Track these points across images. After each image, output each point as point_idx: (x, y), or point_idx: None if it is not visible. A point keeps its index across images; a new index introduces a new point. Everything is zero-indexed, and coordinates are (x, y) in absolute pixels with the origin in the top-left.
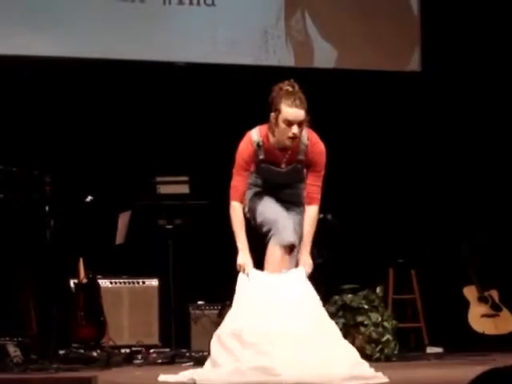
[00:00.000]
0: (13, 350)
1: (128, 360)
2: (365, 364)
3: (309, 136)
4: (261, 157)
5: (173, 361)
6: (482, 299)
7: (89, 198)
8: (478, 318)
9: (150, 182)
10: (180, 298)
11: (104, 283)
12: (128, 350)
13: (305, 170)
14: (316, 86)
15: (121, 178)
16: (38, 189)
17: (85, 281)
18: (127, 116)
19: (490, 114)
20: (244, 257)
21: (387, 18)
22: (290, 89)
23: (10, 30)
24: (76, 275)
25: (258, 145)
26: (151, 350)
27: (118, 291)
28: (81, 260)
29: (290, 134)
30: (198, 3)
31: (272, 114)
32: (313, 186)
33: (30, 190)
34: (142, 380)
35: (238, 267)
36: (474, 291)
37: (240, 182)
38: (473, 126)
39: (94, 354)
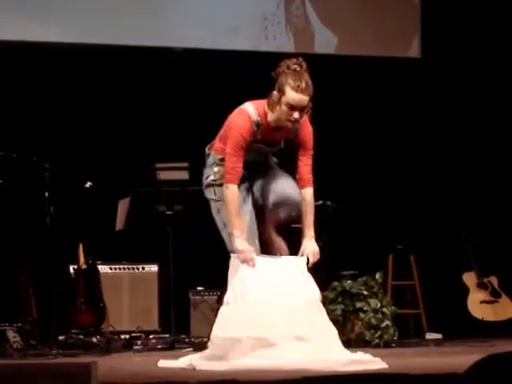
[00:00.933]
0: (12, 336)
1: (127, 346)
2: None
3: None
4: (258, 137)
5: (172, 346)
6: (482, 285)
7: (88, 184)
8: (478, 305)
9: (149, 168)
10: (179, 283)
11: (104, 269)
12: (127, 336)
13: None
14: (316, 71)
15: (120, 164)
16: (38, 175)
17: (84, 267)
18: (126, 102)
19: (490, 101)
20: (245, 245)
21: (387, 3)
22: (298, 68)
23: (7, 16)
24: (76, 261)
25: (258, 124)
26: (151, 336)
27: (117, 277)
28: (80, 246)
29: (292, 119)
30: None
31: (275, 92)
32: (305, 165)
33: (29, 176)
34: (141, 365)
35: (243, 260)
36: (473, 277)
37: (239, 163)
38: (473, 113)
39: (94, 339)
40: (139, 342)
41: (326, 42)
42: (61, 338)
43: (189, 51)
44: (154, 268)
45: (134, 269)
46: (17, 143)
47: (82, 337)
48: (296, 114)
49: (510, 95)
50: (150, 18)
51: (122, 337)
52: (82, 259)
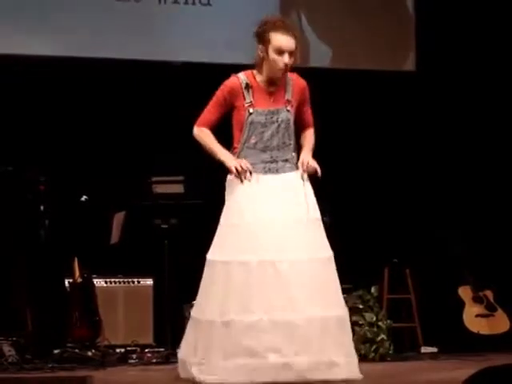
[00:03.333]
0: (7, 350)
1: (123, 360)
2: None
3: (289, 74)
4: (248, 100)
5: (167, 360)
6: (477, 299)
7: (84, 198)
8: (473, 318)
9: (145, 181)
10: (175, 297)
11: (99, 283)
12: (123, 350)
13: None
14: (311, 85)
15: (116, 178)
16: (33, 188)
17: (80, 280)
18: (122, 115)
19: (484, 113)
20: (234, 160)
21: (382, 17)
22: (278, 23)
23: (3, 29)
24: (71, 275)
25: (247, 85)
26: (146, 350)
27: (112, 291)
28: (76, 259)
29: (282, 65)
30: (194, 3)
31: (260, 46)
32: (308, 115)
33: (25, 189)
34: (136, 379)
35: (239, 168)
36: (468, 291)
37: (211, 114)
38: (468, 126)
39: (89, 353)
40: (134, 356)
41: (321, 55)
42: (56, 351)
43: (187, 65)
44: (150, 282)
45: (129, 282)
46: (12, 157)
47: (77, 350)
48: (286, 58)
49: (505, 108)
50: (147, 32)
51: (118, 351)
52: (77, 273)
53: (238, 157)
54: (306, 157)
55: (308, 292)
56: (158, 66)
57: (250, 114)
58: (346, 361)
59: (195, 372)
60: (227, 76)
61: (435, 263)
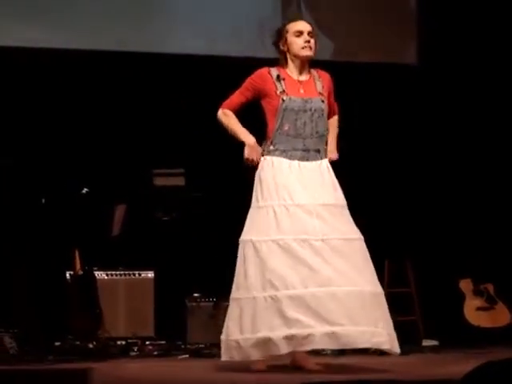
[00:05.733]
0: (8, 342)
1: (124, 352)
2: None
3: (313, 70)
4: (281, 88)
5: (168, 353)
6: (478, 292)
7: (85, 190)
8: (474, 311)
9: (145, 174)
10: (176, 290)
11: (100, 275)
12: (124, 342)
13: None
14: None
15: (117, 170)
16: (34, 181)
17: (81, 273)
18: (123, 108)
19: (487, 106)
20: (252, 149)
21: (384, 10)
22: (294, 15)
23: (4, 21)
24: (72, 267)
25: (278, 77)
26: (147, 342)
27: (113, 283)
28: (77, 252)
29: (304, 43)
30: None
31: (281, 43)
32: (335, 107)
33: (26, 181)
34: (137, 372)
35: (249, 161)
36: (469, 284)
37: (237, 98)
38: (470, 120)
39: (90, 345)
40: (135, 349)
41: (322, 48)
42: (57, 343)
43: (186, 57)
44: (151, 274)
45: (130, 275)
46: (13, 149)
47: (78, 343)
48: (306, 37)
49: (508, 99)
50: (145, 24)
51: (118, 343)
52: (78, 265)
53: (271, 143)
54: (334, 148)
55: (343, 267)
56: (157, 58)
57: (284, 100)
58: (388, 333)
59: (244, 348)
60: (228, 68)
61: (436, 256)
